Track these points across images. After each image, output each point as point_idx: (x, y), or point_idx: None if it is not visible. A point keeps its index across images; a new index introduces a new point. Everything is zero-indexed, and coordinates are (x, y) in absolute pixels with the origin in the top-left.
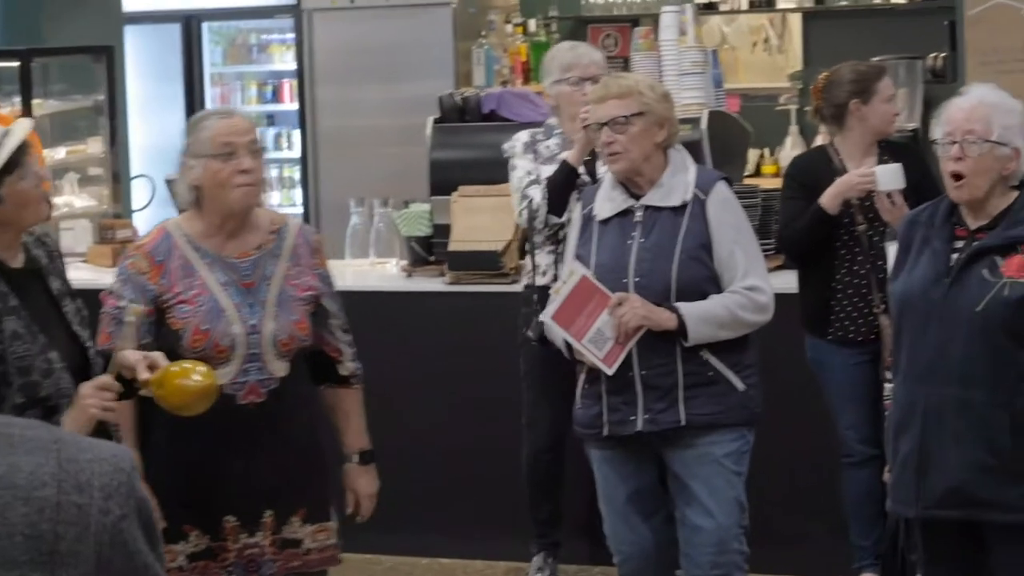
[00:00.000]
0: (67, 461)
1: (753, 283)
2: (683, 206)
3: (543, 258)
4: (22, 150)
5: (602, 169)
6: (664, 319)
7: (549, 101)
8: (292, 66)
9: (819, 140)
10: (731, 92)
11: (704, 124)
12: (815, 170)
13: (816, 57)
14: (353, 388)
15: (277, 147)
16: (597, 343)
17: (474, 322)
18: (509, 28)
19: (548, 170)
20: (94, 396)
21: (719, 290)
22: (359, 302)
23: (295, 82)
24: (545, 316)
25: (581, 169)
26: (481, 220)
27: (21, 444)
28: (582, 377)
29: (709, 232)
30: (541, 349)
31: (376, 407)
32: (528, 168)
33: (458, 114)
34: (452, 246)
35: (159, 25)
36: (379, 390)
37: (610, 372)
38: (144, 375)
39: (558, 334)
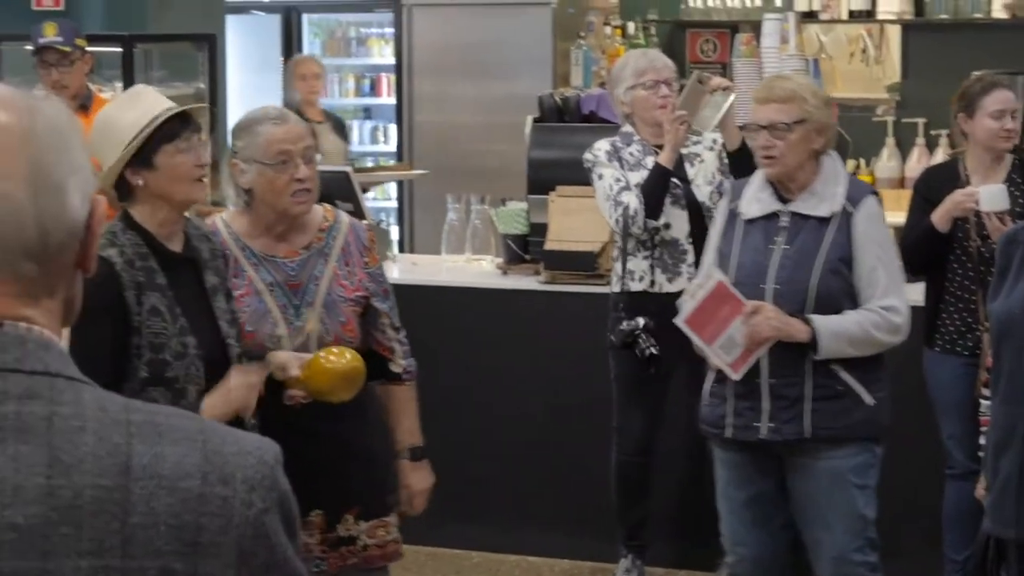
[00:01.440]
0: (212, 453)
1: (891, 303)
2: (830, 217)
3: (637, 264)
4: (186, 123)
5: (691, 170)
6: (797, 331)
7: (623, 109)
8: (390, 60)
9: (938, 154)
10: None
11: None
12: (940, 183)
13: (914, 69)
14: (405, 385)
15: (374, 141)
16: (727, 348)
17: (568, 322)
18: (608, 30)
19: (635, 176)
20: (243, 388)
21: (855, 305)
22: (454, 298)
23: (393, 76)
24: (679, 320)
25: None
26: (578, 221)
27: (168, 433)
28: (711, 375)
29: (853, 246)
30: (630, 354)
31: (466, 402)
32: (616, 175)
33: (557, 114)
34: (548, 245)
35: (260, 15)
36: (470, 386)
37: (736, 378)
38: (295, 372)
39: (690, 336)
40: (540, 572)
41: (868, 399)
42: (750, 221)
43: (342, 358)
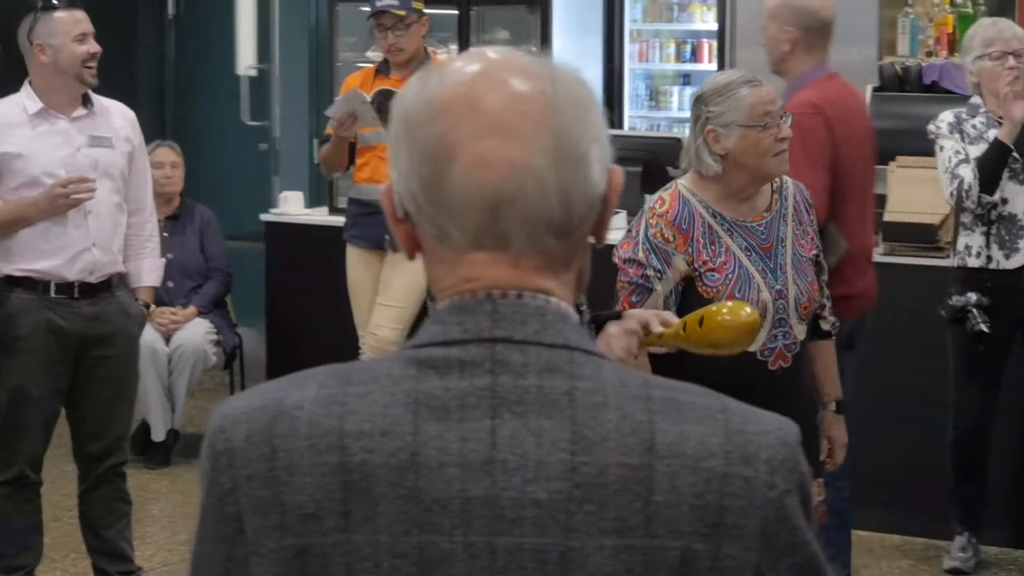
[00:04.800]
0: (734, 432)
1: None
2: None
3: (974, 239)
4: None
5: None
6: None
7: (972, 79)
8: (712, 26)
9: None
10: None
11: None
12: None
13: None
14: (830, 340)
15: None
16: None
17: (905, 294)
18: None
19: (975, 150)
20: (621, 338)
21: None
22: None
23: (714, 43)
24: None
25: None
26: (918, 192)
27: (689, 411)
28: None
29: None
30: (963, 329)
31: None
32: (956, 148)
33: (898, 83)
34: (888, 216)
35: None
36: None
37: None
38: (658, 328)
39: None
40: (871, 547)
41: None
42: None
43: (741, 311)
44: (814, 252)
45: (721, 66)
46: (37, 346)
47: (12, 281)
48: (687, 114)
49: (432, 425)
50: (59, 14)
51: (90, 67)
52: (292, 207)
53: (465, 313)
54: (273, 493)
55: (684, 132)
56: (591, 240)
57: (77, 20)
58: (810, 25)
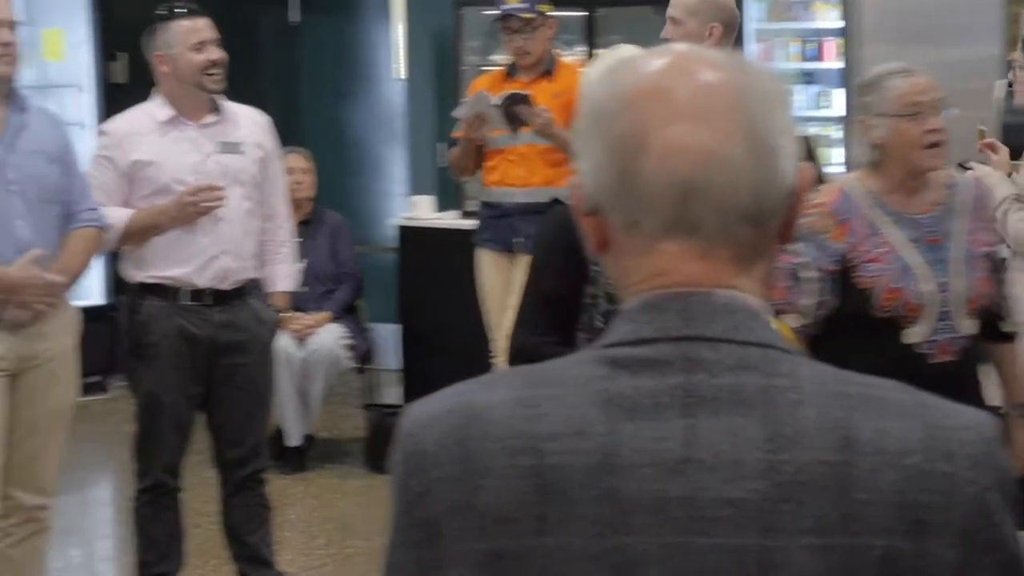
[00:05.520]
0: (933, 427)
1: None
2: None
3: None
4: None
5: None
6: None
7: None
8: (837, 24)
9: None
10: None
11: None
12: None
13: None
14: (1011, 342)
15: (817, 105)
16: None
17: None
18: None
19: None
20: None
21: None
22: None
23: (839, 40)
24: None
25: None
26: None
27: (888, 407)
28: None
29: None
30: None
31: None
32: None
33: None
34: None
35: None
36: None
37: None
38: None
39: None
40: None
41: None
42: None
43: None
44: (989, 249)
45: (847, 64)
46: (169, 353)
47: (144, 288)
48: (811, 112)
49: (626, 425)
50: (177, 23)
51: (211, 74)
52: (422, 211)
53: (656, 311)
54: (466, 497)
55: (807, 130)
56: (778, 241)
57: (195, 29)
58: (728, 20)
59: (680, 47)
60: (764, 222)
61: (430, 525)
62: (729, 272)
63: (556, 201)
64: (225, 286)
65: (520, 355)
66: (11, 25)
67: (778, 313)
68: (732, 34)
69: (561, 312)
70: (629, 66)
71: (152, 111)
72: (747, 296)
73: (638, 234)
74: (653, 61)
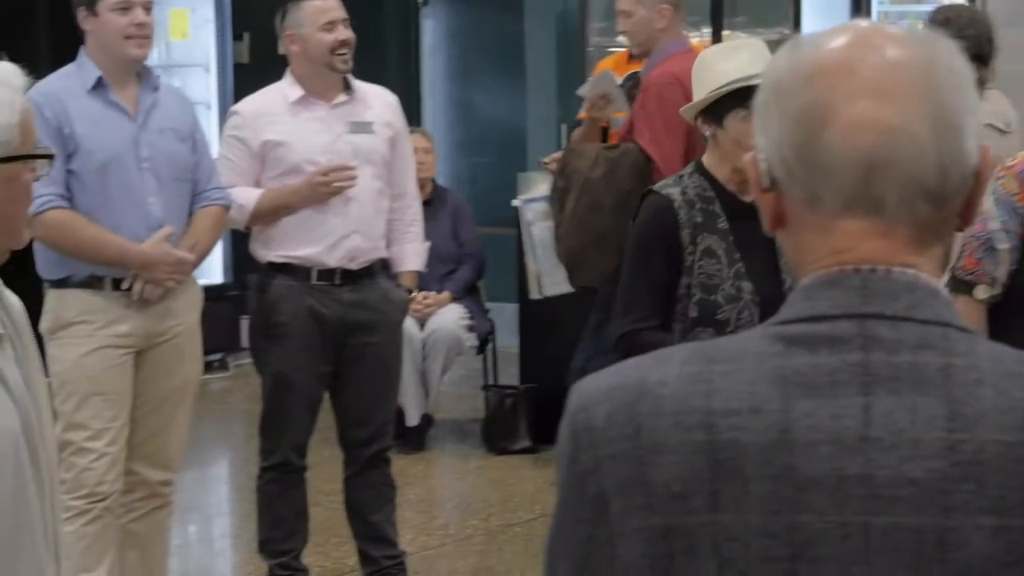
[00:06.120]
0: None
1: None
2: None
3: None
4: None
5: None
6: None
7: None
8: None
9: None
10: None
11: None
12: None
13: None
14: None
15: None
16: None
17: None
18: None
19: None
20: None
21: None
22: None
23: None
24: None
25: None
26: None
27: None
28: None
29: None
30: None
31: None
32: None
33: None
34: None
35: None
36: None
37: None
38: None
39: None
40: None
41: None
42: None
43: None
44: None
45: None
46: (299, 332)
47: (274, 268)
48: None
49: (802, 402)
50: (308, 3)
51: (341, 54)
52: (543, 191)
53: (834, 288)
54: (638, 472)
55: None
56: (958, 223)
57: (324, 8)
58: (677, 2)
59: (864, 23)
60: (946, 202)
61: (600, 501)
62: (909, 251)
63: (650, 191)
64: (355, 266)
65: (626, 342)
66: (147, 6)
67: (969, 284)
68: (680, 15)
69: (662, 300)
70: (812, 42)
71: (283, 91)
72: (927, 275)
73: (818, 210)
74: (838, 36)
